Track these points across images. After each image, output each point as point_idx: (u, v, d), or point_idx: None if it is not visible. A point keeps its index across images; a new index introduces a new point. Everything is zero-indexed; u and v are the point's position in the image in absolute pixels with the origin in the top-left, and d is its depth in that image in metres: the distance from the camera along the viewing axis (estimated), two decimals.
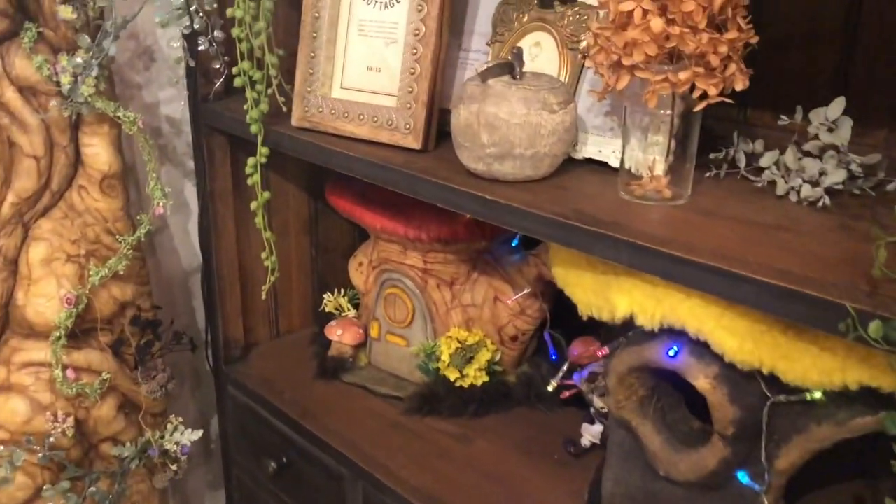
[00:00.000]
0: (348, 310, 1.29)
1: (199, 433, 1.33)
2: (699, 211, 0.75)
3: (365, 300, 1.25)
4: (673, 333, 0.74)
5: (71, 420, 1.19)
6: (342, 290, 1.33)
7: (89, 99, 1.13)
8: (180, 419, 1.33)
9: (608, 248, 0.70)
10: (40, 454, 1.17)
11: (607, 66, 0.75)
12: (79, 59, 1.12)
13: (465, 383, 1.12)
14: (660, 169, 0.78)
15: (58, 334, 1.17)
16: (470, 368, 1.11)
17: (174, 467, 1.32)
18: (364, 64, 0.97)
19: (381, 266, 1.19)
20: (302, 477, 1.18)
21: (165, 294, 1.39)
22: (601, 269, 0.79)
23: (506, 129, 0.79)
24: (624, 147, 0.79)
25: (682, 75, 0.69)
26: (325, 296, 1.32)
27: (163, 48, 1.33)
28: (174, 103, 1.36)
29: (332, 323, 1.25)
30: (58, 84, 1.13)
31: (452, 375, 1.12)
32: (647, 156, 0.78)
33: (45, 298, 1.18)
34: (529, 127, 0.79)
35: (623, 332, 0.81)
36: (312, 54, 0.99)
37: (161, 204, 1.21)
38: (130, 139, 1.27)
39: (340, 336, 1.22)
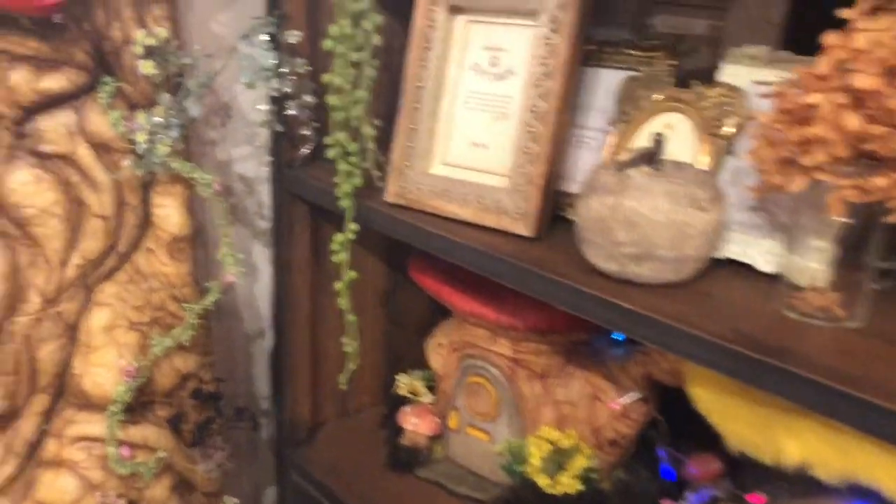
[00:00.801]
0: (423, 394, 1.17)
1: None
2: (884, 337, 0.63)
3: (443, 385, 1.13)
4: (860, 491, 0.61)
5: (125, 501, 1.08)
6: (416, 370, 1.21)
7: (165, 159, 1.05)
8: (235, 501, 1.21)
9: (782, 383, 0.58)
10: None
11: (773, 162, 0.63)
12: (157, 118, 1.04)
13: (557, 491, 0.99)
14: (824, 280, 0.66)
15: (115, 408, 1.07)
16: (564, 475, 0.98)
17: None
18: (470, 139, 0.87)
19: (463, 350, 1.08)
20: None
21: (225, 363, 1.28)
22: (761, 399, 0.67)
23: (647, 226, 0.68)
24: (786, 253, 0.67)
25: (879, 182, 0.57)
26: (398, 377, 1.20)
27: (241, 105, 1.25)
28: (248, 162, 1.27)
29: (407, 409, 1.13)
30: (132, 142, 1.05)
31: (543, 481, 0.99)
32: (810, 264, 0.66)
33: (104, 368, 1.08)
34: (675, 226, 0.67)
35: (777, 475, 0.68)
36: (413, 126, 0.89)
37: (233, 272, 1.12)
38: (200, 199, 1.18)
39: (416, 426, 1.10)
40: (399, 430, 1.14)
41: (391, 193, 0.91)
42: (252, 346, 1.33)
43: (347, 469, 1.12)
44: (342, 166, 0.89)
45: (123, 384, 1.07)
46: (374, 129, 0.89)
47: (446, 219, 0.87)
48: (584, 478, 1.00)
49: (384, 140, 0.92)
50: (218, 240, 1.13)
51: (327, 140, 0.91)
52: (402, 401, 1.18)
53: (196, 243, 1.17)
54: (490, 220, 0.84)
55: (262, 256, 1.29)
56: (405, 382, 1.19)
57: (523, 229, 0.81)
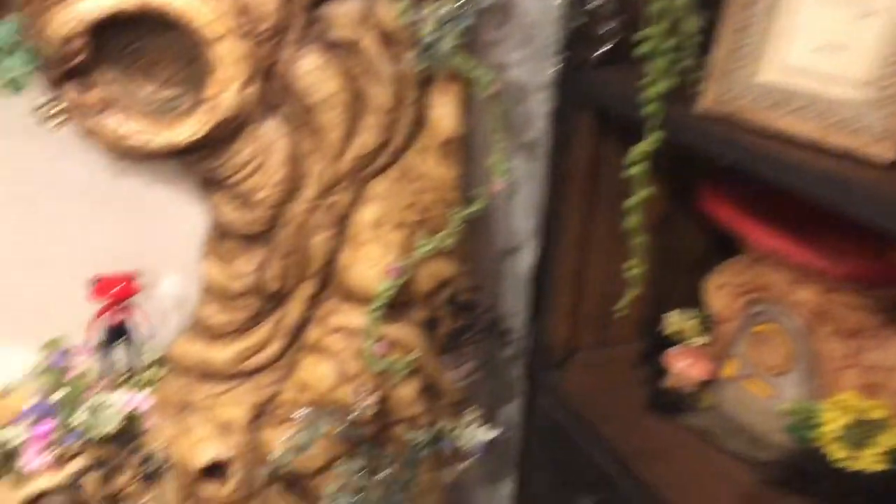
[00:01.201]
0: (693, 336, 1.06)
1: (495, 433, 1.18)
2: None
3: (722, 330, 1.01)
4: None
5: (376, 396, 1.07)
6: (684, 308, 1.09)
7: (449, 54, 0.99)
8: (478, 414, 1.18)
9: None
10: (341, 427, 1.07)
11: None
12: (445, 9, 0.98)
13: (855, 466, 0.85)
14: None
15: (377, 304, 1.06)
16: (867, 451, 0.83)
17: (464, 463, 1.18)
18: (817, 41, 0.72)
19: (753, 293, 0.94)
20: None
21: (480, 275, 1.24)
22: None
23: None
24: None
25: None
26: (668, 315, 1.09)
27: (521, 4, 1.16)
28: (525, 66, 1.18)
29: (676, 350, 1.02)
30: (417, 34, 1.00)
31: (838, 453, 0.85)
32: None
33: (370, 264, 1.06)
34: None
35: None
36: (743, 24, 0.75)
37: (501, 180, 1.05)
38: (474, 101, 1.12)
39: (685, 369, 0.99)
40: (662, 371, 1.03)
41: (709, 101, 0.78)
42: (508, 260, 1.27)
43: (603, 402, 1.04)
44: (656, 64, 0.77)
45: (387, 281, 1.05)
46: (698, 22, 0.76)
47: (773, 136, 0.73)
48: (893, 457, 0.84)
49: (704, 39, 0.79)
50: (487, 146, 1.07)
51: (638, 35, 0.79)
52: (665, 340, 1.07)
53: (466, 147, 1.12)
54: (837, 140, 0.69)
55: (527, 168, 1.22)
56: (674, 321, 1.08)
57: (887, 152, 0.66)
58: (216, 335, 1.06)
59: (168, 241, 1.08)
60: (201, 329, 1.07)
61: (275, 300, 1.07)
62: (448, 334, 1.12)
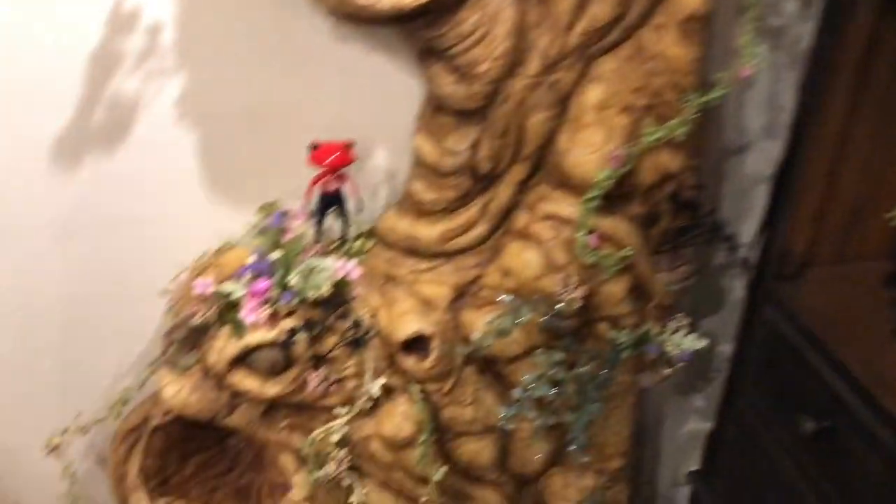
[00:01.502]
0: None
1: (705, 342, 1.10)
2: None
3: None
4: None
5: (583, 290, 1.02)
6: None
7: None
8: (687, 321, 1.10)
9: None
10: (544, 317, 1.03)
11: None
12: None
13: None
14: None
15: (593, 193, 0.99)
16: None
17: (666, 370, 1.11)
18: None
19: None
20: (848, 453, 0.88)
21: (708, 172, 1.13)
22: None
23: None
24: None
25: None
26: None
27: None
28: None
29: None
30: None
31: None
32: None
33: (590, 150, 0.99)
34: None
35: None
36: None
37: (749, 65, 0.93)
38: None
39: None
40: None
41: None
42: (735, 160, 1.15)
43: (842, 322, 0.92)
44: None
45: (606, 170, 0.97)
46: None
47: None
48: None
49: None
50: (728, 27, 0.94)
51: None
52: None
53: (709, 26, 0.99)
54: None
55: (767, 58, 1.07)
56: None
57: None
58: (424, 212, 1.05)
59: (383, 112, 1.05)
60: (409, 205, 1.05)
61: (485, 181, 1.03)
62: (665, 233, 1.04)
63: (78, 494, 1.12)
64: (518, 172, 1.03)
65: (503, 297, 1.01)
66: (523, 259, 1.03)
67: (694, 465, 1.44)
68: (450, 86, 0.96)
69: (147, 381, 1.09)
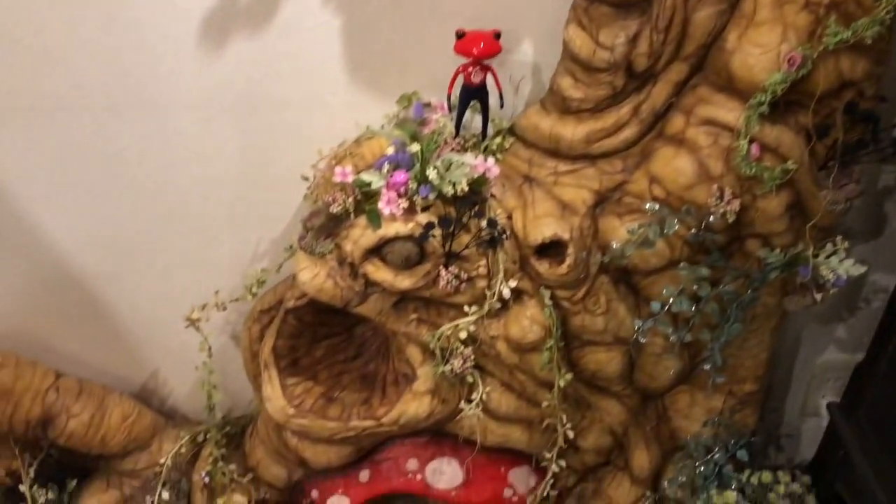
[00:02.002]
0: None
1: (863, 269, 1.01)
2: None
3: None
4: None
5: (737, 204, 0.95)
6: None
7: None
8: (847, 244, 1.02)
9: None
10: (692, 231, 0.97)
11: None
12: None
13: None
14: None
15: (759, 99, 0.90)
16: None
17: (817, 295, 1.04)
18: None
19: None
20: None
21: (887, 84, 1.01)
22: None
23: None
24: None
25: None
26: None
27: None
28: None
29: None
30: None
31: None
32: None
33: (762, 49, 0.90)
34: None
35: None
36: None
37: None
38: None
39: None
40: None
41: None
42: None
43: None
44: None
45: (779, 73, 0.88)
46: None
47: None
48: None
49: None
50: None
51: None
52: None
53: None
54: None
55: None
56: None
57: None
58: (570, 110, 0.99)
59: (532, 1, 0.99)
60: (555, 102, 1.00)
61: (639, 80, 0.96)
62: (835, 148, 0.94)
63: (213, 367, 1.17)
64: (677, 72, 0.96)
65: (650, 205, 0.96)
66: (675, 166, 0.97)
67: (826, 397, 1.38)
68: None
69: (284, 265, 1.10)
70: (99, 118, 1.02)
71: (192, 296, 1.13)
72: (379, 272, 0.99)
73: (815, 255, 1.00)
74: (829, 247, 1.01)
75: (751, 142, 0.92)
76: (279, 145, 1.07)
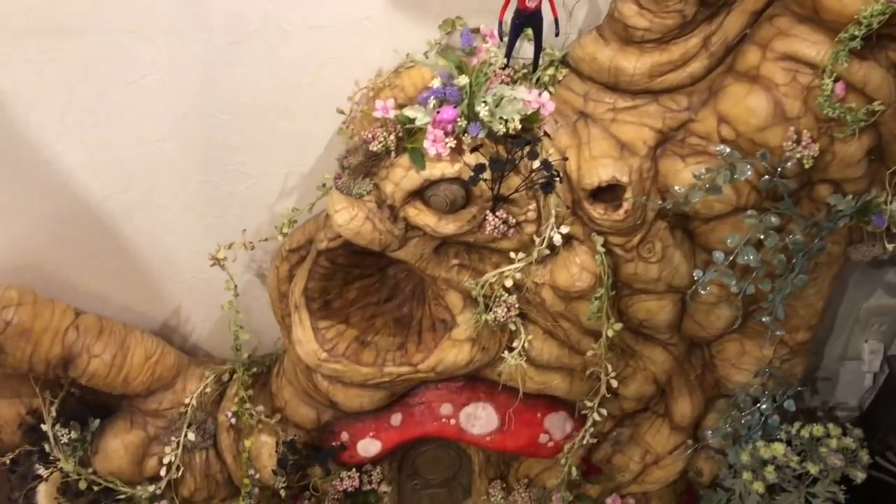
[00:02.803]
0: None
1: None
2: None
3: None
4: None
5: (815, 148, 0.87)
6: None
7: None
8: None
9: None
10: (765, 177, 0.89)
11: None
12: None
13: None
14: None
15: (850, 32, 0.81)
16: None
17: (888, 245, 0.97)
18: None
19: None
20: None
21: None
22: None
23: None
24: None
25: None
26: None
27: None
28: None
29: None
30: None
31: None
32: None
33: None
34: None
35: None
36: None
37: None
38: None
39: None
40: None
41: None
42: None
43: None
44: None
45: (879, 2, 0.79)
46: None
47: None
48: None
49: None
50: None
51: None
52: None
53: None
54: None
55: None
56: None
57: None
58: (631, 40, 0.90)
59: None
60: (615, 30, 0.91)
61: (711, 7, 0.86)
62: None
63: (238, 306, 1.11)
64: (753, 1, 0.86)
65: (720, 148, 0.88)
66: (747, 105, 0.88)
67: (869, 341, 1.33)
68: None
69: (316, 204, 1.03)
70: (120, 42, 0.93)
71: (215, 232, 1.06)
72: (421, 216, 0.92)
73: (891, 202, 0.93)
74: None
75: (836, 80, 0.83)
76: (311, 73, 0.98)
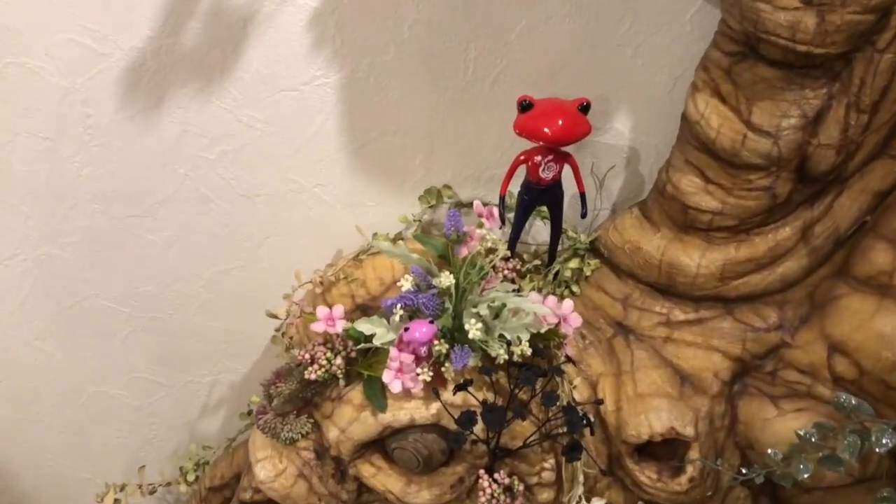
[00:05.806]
0: None
1: None
2: None
3: None
4: None
5: None
6: None
7: None
8: None
9: None
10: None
11: None
12: None
13: None
14: None
15: None
16: None
17: None
18: None
19: None
20: None
21: None
22: None
23: None
24: None
25: None
26: None
27: None
28: None
29: None
30: None
31: None
32: None
33: None
34: None
35: None
36: None
37: None
38: None
39: None
40: None
41: None
42: None
43: None
44: None
45: None
46: None
47: None
48: None
49: None
50: None
51: None
52: None
53: None
54: None
55: None
56: None
57: None
58: (693, 226, 0.60)
59: (630, 52, 0.61)
60: (669, 211, 0.61)
61: (814, 185, 0.57)
62: None
63: None
64: (882, 174, 0.57)
65: (843, 397, 0.55)
66: (877, 329, 0.57)
67: None
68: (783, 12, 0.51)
69: (238, 437, 0.71)
70: None
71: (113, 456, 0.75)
72: (380, 477, 0.60)
73: None
74: None
75: None
76: (240, 255, 0.69)
